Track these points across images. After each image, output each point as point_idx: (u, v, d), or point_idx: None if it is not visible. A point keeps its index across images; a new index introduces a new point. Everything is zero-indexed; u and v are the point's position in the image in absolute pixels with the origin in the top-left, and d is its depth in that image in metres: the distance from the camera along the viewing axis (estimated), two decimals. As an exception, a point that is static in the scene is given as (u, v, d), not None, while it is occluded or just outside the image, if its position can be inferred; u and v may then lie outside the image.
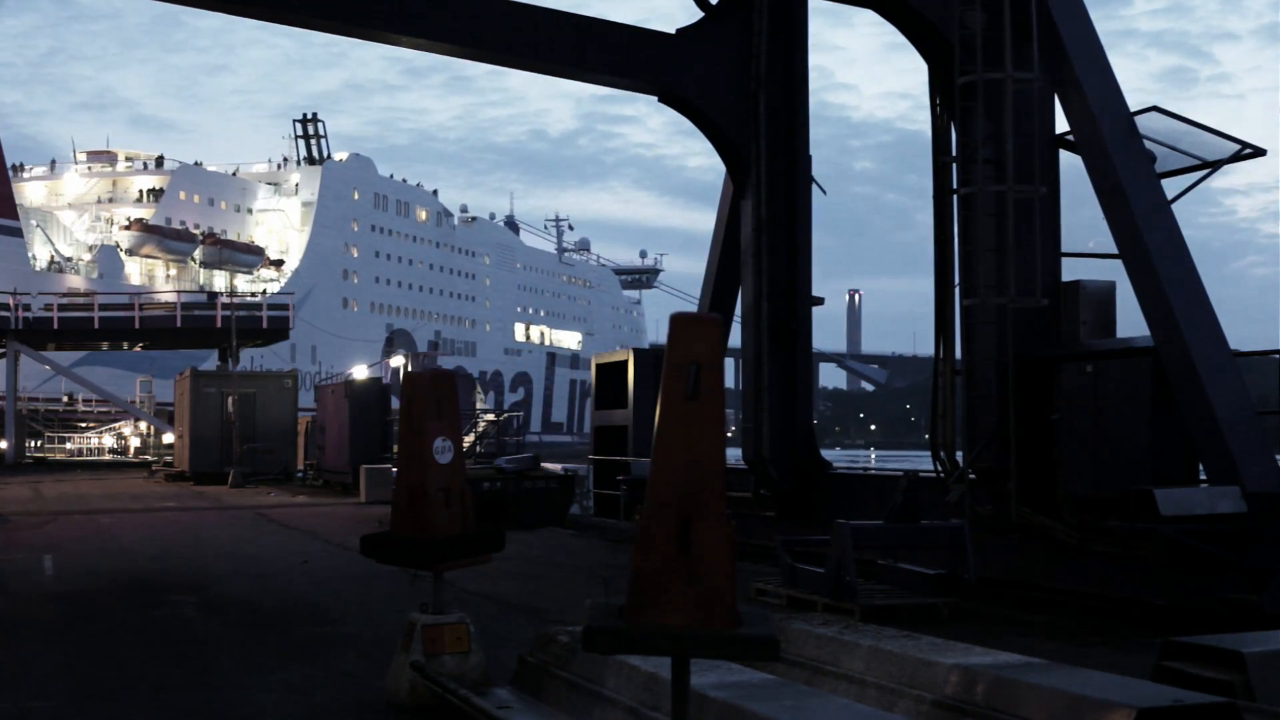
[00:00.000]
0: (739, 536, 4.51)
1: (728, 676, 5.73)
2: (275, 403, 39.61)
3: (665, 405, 4.36)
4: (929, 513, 13.01)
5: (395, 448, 26.27)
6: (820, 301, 18.89)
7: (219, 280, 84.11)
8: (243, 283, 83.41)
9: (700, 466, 4.32)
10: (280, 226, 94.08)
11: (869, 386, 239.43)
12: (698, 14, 18.50)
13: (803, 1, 18.82)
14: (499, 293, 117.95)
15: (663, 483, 4.34)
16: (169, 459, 44.56)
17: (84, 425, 70.12)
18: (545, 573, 15.58)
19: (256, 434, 38.20)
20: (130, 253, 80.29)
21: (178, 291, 60.15)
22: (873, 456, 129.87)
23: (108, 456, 63.25)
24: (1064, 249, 15.68)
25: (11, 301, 49.21)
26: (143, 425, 61.32)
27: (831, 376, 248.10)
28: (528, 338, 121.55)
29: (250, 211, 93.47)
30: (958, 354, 15.68)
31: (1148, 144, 14.45)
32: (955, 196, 15.66)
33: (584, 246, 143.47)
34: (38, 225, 77.39)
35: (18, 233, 72.68)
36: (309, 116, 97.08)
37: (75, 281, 73.60)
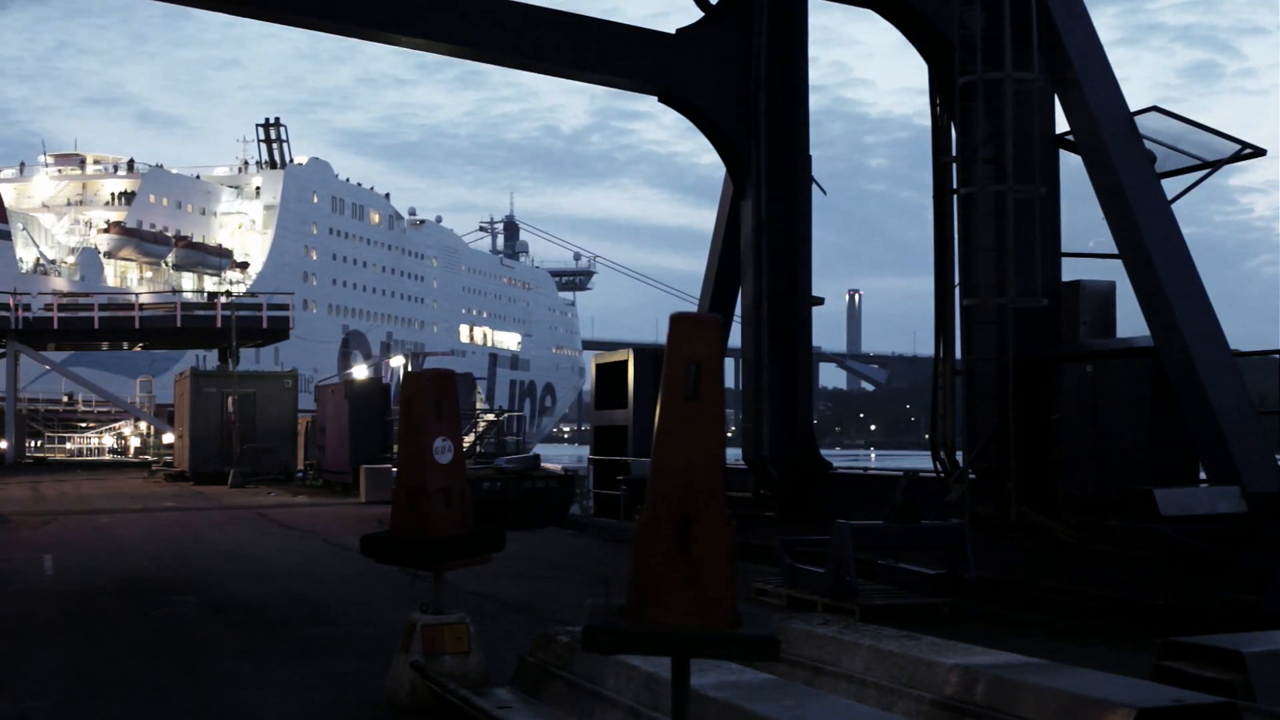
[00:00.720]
0: (739, 536, 4.51)
1: (728, 676, 5.73)
2: (275, 403, 39.61)
3: (665, 405, 4.36)
4: (929, 513, 13.00)
5: (395, 448, 26.27)
6: (820, 301, 18.90)
7: (187, 281, 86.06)
8: (209, 284, 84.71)
9: (700, 466, 4.32)
10: (242, 229, 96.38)
11: (869, 386, 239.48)
12: (698, 14, 18.50)
13: (803, 1, 18.82)
14: (445, 294, 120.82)
15: (663, 483, 4.34)
16: (169, 459, 44.56)
17: (84, 425, 70.16)
18: (545, 573, 15.57)
19: (256, 434, 38.20)
20: (109, 255, 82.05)
21: (177, 292, 60.55)
22: (873, 456, 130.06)
23: (108, 456, 63.29)
24: (1064, 249, 15.68)
25: (11, 301, 49.23)
26: (143, 425, 61.32)
27: (831, 376, 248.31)
28: (471, 339, 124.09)
29: (215, 214, 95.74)
30: (958, 354, 15.68)
31: (1148, 144, 14.45)
32: (955, 196, 15.66)
33: (522, 249, 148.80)
34: (24, 228, 78.84)
35: (6, 235, 74.12)
36: (271, 121, 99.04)
37: (59, 283, 74.44)
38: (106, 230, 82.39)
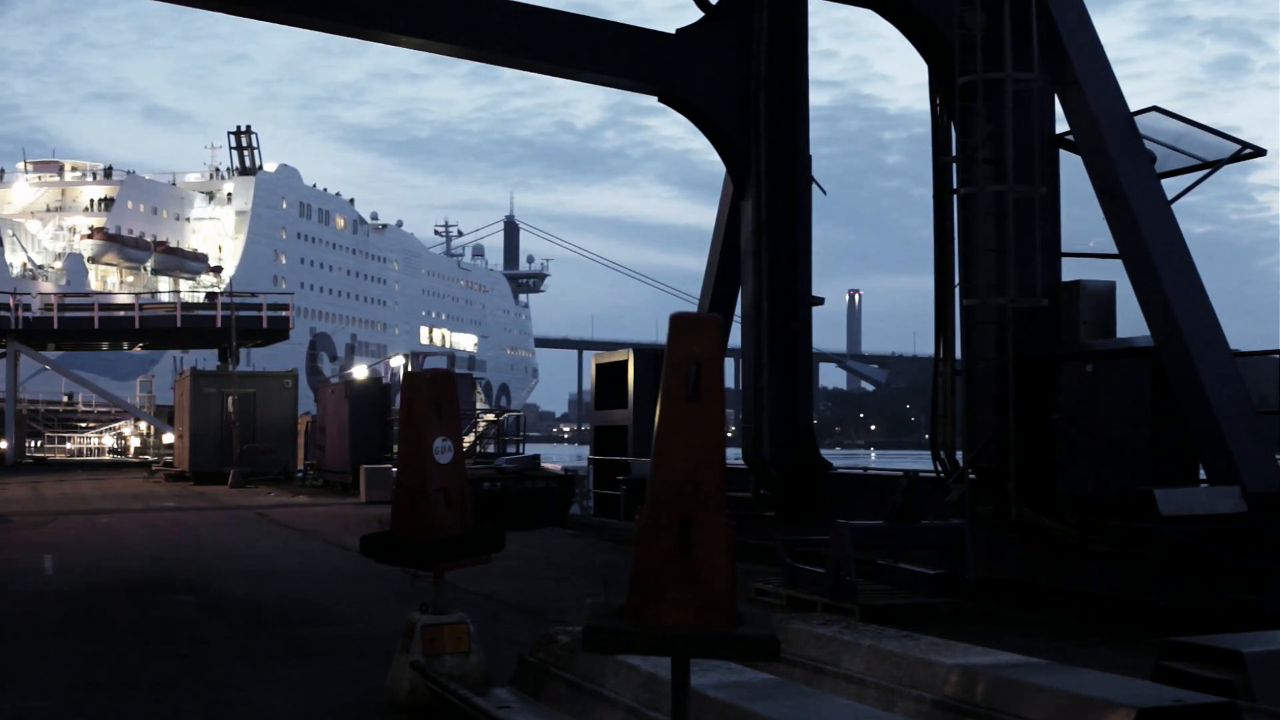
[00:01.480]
0: (739, 536, 4.50)
1: (728, 676, 5.73)
2: (275, 403, 39.60)
3: (665, 405, 4.36)
4: (929, 513, 13.00)
5: (395, 448, 26.28)
6: (820, 302, 18.88)
7: (163, 285, 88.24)
8: (185, 288, 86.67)
9: (700, 466, 4.32)
10: (214, 234, 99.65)
11: (869, 386, 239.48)
12: (698, 14, 18.49)
13: (803, 1, 18.81)
14: (406, 297, 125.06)
15: (663, 483, 4.34)
16: (169, 459, 44.55)
17: (84, 425, 70.16)
18: (545, 573, 15.58)
19: (256, 434, 38.19)
20: (93, 260, 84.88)
21: (173, 290, 60.77)
22: (873, 456, 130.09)
23: (108, 456, 63.27)
24: (1064, 249, 15.66)
25: (11, 301, 49.22)
26: (142, 425, 61.32)
27: (831, 376, 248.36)
28: (431, 340, 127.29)
29: (188, 220, 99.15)
30: (958, 354, 15.67)
31: (1148, 144, 14.44)
32: (955, 196, 15.65)
33: (479, 253, 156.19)
34: (13, 234, 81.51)
35: None
36: (242, 129, 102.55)
37: (47, 288, 75.61)
38: (90, 236, 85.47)
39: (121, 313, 52.50)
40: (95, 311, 51.10)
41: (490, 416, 39.13)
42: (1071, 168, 15.35)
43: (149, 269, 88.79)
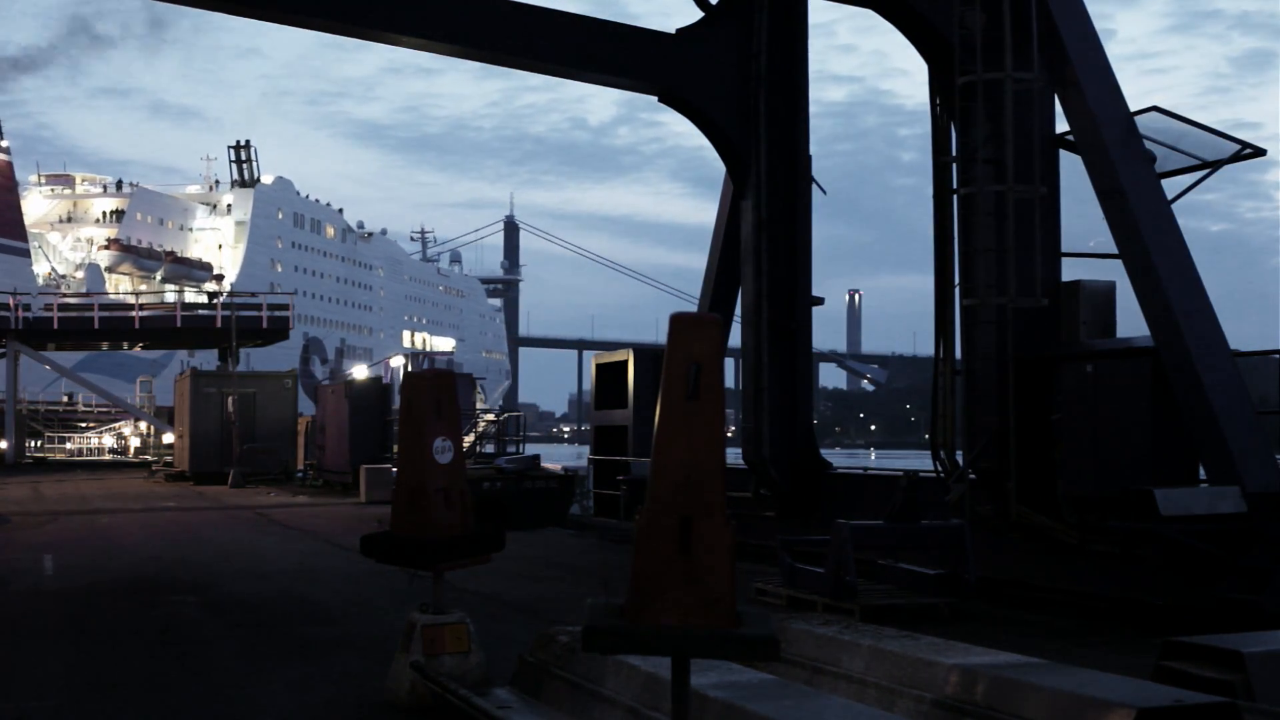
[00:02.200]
0: (739, 536, 4.50)
1: (728, 676, 5.73)
2: (275, 403, 39.59)
3: (665, 405, 4.36)
4: (929, 513, 13.00)
5: (395, 448, 26.28)
6: (820, 301, 18.88)
7: (170, 293, 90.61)
8: (190, 295, 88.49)
9: (700, 466, 4.32)
10: (214, 244, 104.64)
11: (869, 386, 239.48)
12: (698, 14, 18.49)
13: (803, 1, 18.81)
14: (390, 302, 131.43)
15: (663, 483, 4.34)
16: (169, 459, 44.54)
17: (84, 425, 70.16)
18: (545, 573, 15.58)
19: (256, 434, 38.19)
20: (110, 270, 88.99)
21: (178, 293, 61.19)
22: (873, 456, 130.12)
23: (108, 456, 63.25)
24: (1064, 249, 15.66)
25: (12, 301, 49.20)
26: (143, 425, 61.33)
27: (831, 376, 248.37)
28: (413, 344, 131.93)
29: (191, 230, 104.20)
30: (958, 354, 15.66)
31: (1148, 144, 14.43)
32: (955, 196, 15.65)
33: (455, 259, 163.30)
34: (38, 246, 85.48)
35: (26, 253, 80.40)
36: (241, 143, 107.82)
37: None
38: (107, 247, 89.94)
39: (121, 313, 52.48)
40: (95, 311, 51.09)
41: (490, 416, 39.12)
42: (1071, 168, 15.34)
43: (159, 278, 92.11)
